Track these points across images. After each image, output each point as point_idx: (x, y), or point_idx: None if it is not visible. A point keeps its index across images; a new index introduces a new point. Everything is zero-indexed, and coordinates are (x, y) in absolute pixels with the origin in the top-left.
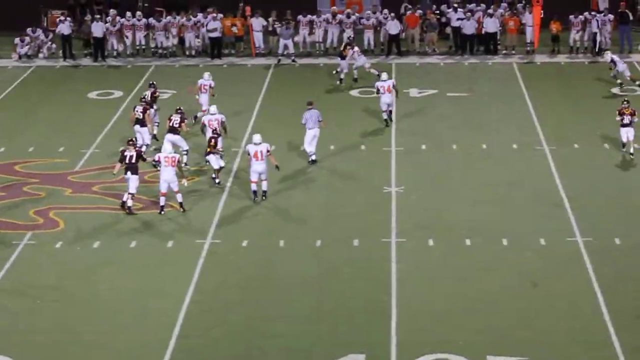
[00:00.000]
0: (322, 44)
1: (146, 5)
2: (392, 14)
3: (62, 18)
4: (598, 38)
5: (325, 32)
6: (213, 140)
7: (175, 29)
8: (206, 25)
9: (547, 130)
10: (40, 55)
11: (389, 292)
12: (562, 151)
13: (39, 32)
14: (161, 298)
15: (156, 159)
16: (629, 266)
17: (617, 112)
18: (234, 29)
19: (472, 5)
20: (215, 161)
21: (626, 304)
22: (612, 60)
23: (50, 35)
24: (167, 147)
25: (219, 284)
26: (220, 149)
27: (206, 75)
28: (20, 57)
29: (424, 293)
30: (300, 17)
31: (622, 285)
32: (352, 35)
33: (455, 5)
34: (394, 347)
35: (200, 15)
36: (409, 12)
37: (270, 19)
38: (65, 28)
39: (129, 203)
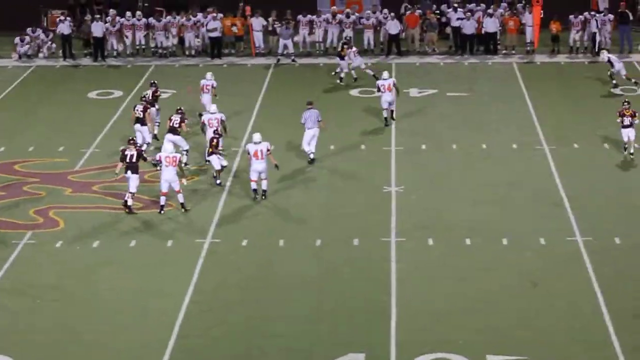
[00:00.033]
0: (322, 43)
1: (146, 5)
2: (392, 14)
3: (62, 18)
4: (597, 38)
5: (325, 32)
6: (215, 141)
7: (175, 29)
8: (206, 25)
9: (547, 130)
10: (40, 55)
11: (388, 292)
12: (562, 151)
13: (39, 32)
14: (161, 298)
15: (157, 158)
16: (628, 266)
17: (618, 113)
18: (234, 29)
19: (472, 5)
20: (217, 161)
21: (626, 303)
22: (609, 60)
23: (50, 35)
24: (167, 146)
25: (218, 283)
26: (222, 149)
27: (209, 75)
28: (20, 56)
29: (423, 293)
30: (300, 17)
31: (622, 285)
32: (349, 35)
33: (455, 5)
34: (394, 346)
35: (200, 15)
36: (408, 12)
37: (270, 19)
38: (65, 28)
39: (129, 202)
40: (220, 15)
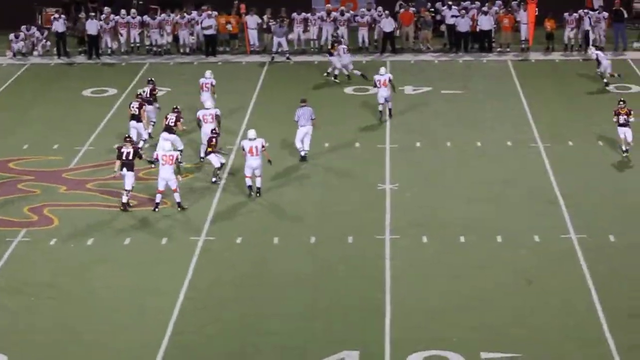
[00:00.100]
0: (317, 41)
1: (141, 2)
2: (387, 12)
3: (57, 16)
4: (590, 35)
5: (320, 29)
6: (214, 140)
7: (170, 27)
8: (201, 22)
9: (541, 127)
10: (35, 52)
11: (383, 290)
12: (556, 148)
13: (34, 29)
14: (157, 296)
15: (154, 156)
16: (623, 264)
17: (614, 112)
18: (229, 27)
19: (467, 3)
20: (215, 160)
21: (620, 301)
22: (597, 58)
23: (45, 33)
24: (165, 145)
25: (213, 281)
26: (221, 148)
27: (207, 73)
28: (14, 54)
29: (418, 290)
30: (294, 14)
31: (617, 283)
32: (340, 32)
33: (450, 2)
34: (388, 344)
35: (194, 13)
36: (403, 10)
37: (265, 17)
38: (59, 26)
39: (124, 199)
40: (215, 13)
